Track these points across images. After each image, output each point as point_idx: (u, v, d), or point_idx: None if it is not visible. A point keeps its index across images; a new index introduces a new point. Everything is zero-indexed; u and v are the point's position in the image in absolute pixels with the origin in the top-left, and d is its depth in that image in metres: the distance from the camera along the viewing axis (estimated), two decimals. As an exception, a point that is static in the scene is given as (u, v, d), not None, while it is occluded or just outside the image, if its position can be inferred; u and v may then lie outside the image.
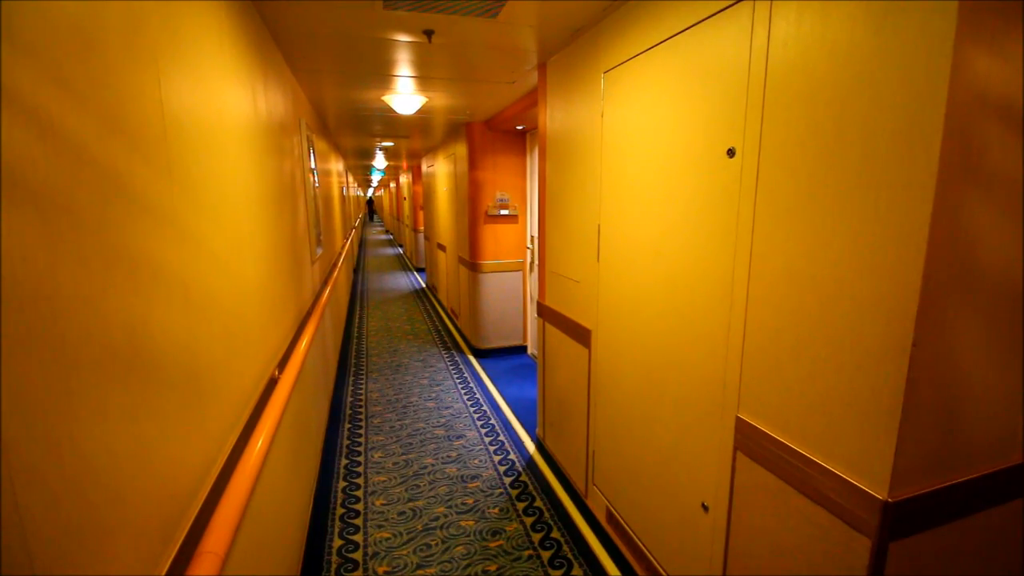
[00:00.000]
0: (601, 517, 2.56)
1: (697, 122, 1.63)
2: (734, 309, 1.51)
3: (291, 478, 2.16)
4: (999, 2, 0.95)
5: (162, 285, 0.96)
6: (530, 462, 3.25)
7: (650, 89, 1.89)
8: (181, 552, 0.94)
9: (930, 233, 0.97)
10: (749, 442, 1.47)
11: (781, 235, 1.31)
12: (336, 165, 7.09)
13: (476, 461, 3.27)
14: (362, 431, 3.72)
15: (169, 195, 1.03)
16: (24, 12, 0.63)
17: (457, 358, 5.38)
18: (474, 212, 5.27)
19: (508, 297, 5.44)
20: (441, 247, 7.49)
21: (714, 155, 1.56)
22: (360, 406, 4.18)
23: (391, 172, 13.81)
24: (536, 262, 4.33)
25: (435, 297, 8.46)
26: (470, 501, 2.83)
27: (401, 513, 2.73)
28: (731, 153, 1.48)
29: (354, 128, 5.81)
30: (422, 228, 10.74)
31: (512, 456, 3.33)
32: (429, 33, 2.46)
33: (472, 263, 5.39)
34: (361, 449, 3.46)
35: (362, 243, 17.43)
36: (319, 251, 3.86)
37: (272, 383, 1.81)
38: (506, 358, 5.37)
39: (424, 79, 3.43)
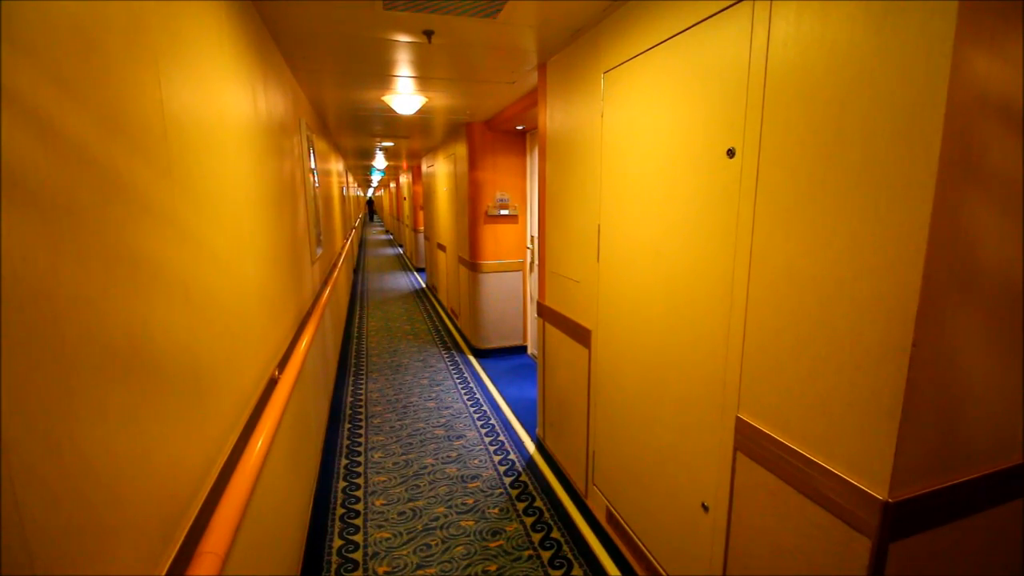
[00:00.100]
0: (601, 517, 2.56)
1: (697, 122, 1.63)
2: (734, 309, 1.51)
3: (291, 478, 2.16)
4: (999, 2, 0.95)
5: (162, 285, 0.96)
6: (530, 462, 3.25)
7: (650, 89, 1.89)
8: (181, 552, 0.94)
9: (930, 233, 0.97)
10: (749, 442, 1.47)
11: (781, 235, 1.31)
12: (336, 165, 7.09)
13: (476, 461, 3.27)
14: (362, 431, 3.72)
15: (170, 195, 1.03)
16: (24, 12, 0.63)
17: (457, 358, 5.38)
18: (474, 212, 5.27)
19: (508, 297, 5.44)
20: (441, 247, 7.49)
21: (714, 155, 1.56)
22: (360, 406, 4.18)
23: (391, 172, 13.81)
24: (536, 262, 4.33)
25: (435, 297, 8.46)
26: (470, 501, 2.83)
27: (401, 513, 2.73)
28: (731, 153, 1.48)
29: (354, 128, 5.82)
30: (422, 228, 10.74)
31: (512, 456, 3.33)
32: (429, 33, 2.46)
33: (472, 263, 5.39)
34: (361, 449, 3.46)
35: (362, 243, 17.44)
36: (319, 251, 3.86)
37: (272, 383, 1.81)
38: (506, 358, 5.37)
39: (424, 79, 3.43)
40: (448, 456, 3.34)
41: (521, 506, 2.79)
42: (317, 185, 4.06)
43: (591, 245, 2.44)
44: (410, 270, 11.80)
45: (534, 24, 2.34)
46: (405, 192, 13.44)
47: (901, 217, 1.02)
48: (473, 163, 5.18)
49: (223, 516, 1.08)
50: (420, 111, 4.28)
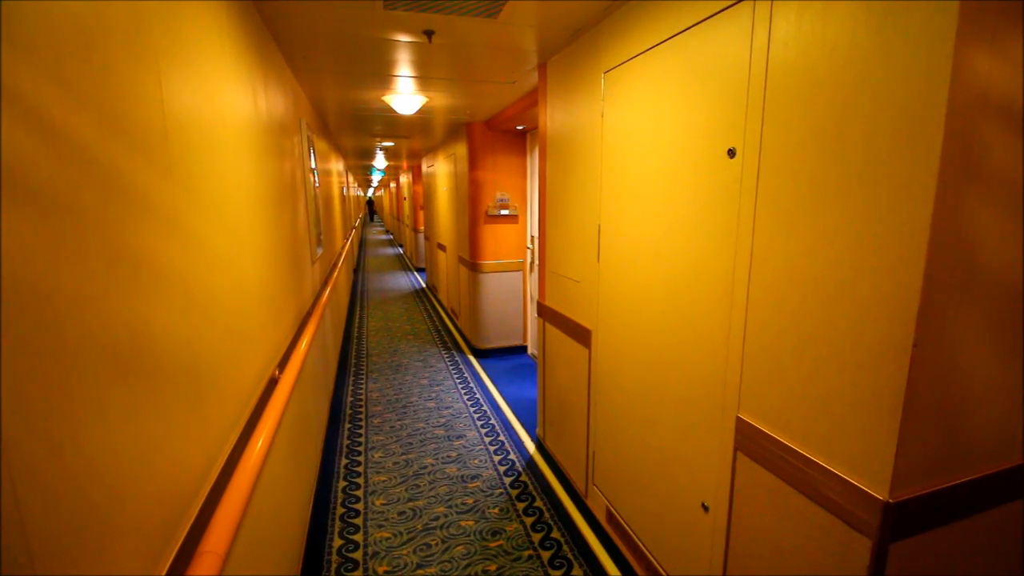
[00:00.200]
0: (601, 517, 2.56)
1: (698, 122, 1.63)
2: (735, 309, 1.51)
3: (291, 478, 2.16)
4: (1000, 2, 0.95)
5: (164, 285, 0.96)
6: (530, 462, 3.25)
7: (651, 89, 1.89)
8: (182, 551, 0.94)
9: (931, 233, 0.97)
10: (749, 442, 1.47)
11: (782, 235, 1.31)
12: (336, 165, 7.09)
13: (476, 461, 3.27)
14: (362, 431, 3.73)
15: (171, 195, 1.03)
16: (25, 12, 0.63)
17: (457, 358, 5.38)
18: (474, 212, 5.27)
19: (508, 297, 5.44)
20: (441, 247, 7.49)
21: (715, 155, 1.56)
22: (360, 406, 4.18)
23: (391, 172, 13.81)
24: (536, 262, 4.33)
25: (435, 297, 8.46)
26: (470, 501, 2.83)
27: (401, 513, 2.73)
28: (731, 153, 1.48)
29: (354, 128, 5.82)
30: (422, 228, 10.74)
31: (512, 456, 3.33)
32: (429, 33, 2.46)
33: (472, 263, 5.39)
34: (361, 449, 3.46)
35: (362, 243, 17.44)
36: (319, 251, 3.86)
37: (272, 383, 1.81)
38: (506, 358, 5.37)
39: (424, 79, 3.43)
40: (448, 456, 3.34)
41: (521, 506, 2.79)
42: (317, 185, 4.06)
43: (591, 245, 2.44)
44: (410, 270, 11.80)
45: (534, 24, 2.34)
46: (405, 192, 13.44)
47: (902, 217, 1.02)
48: (473, 163, 5.18)
49: (224, 515, 1.08)
50: (420, 111, 4.28)
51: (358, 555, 2.41)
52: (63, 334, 0.65)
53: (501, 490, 2.94)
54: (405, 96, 3.75)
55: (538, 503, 2.81)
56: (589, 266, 2.48)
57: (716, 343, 1.60)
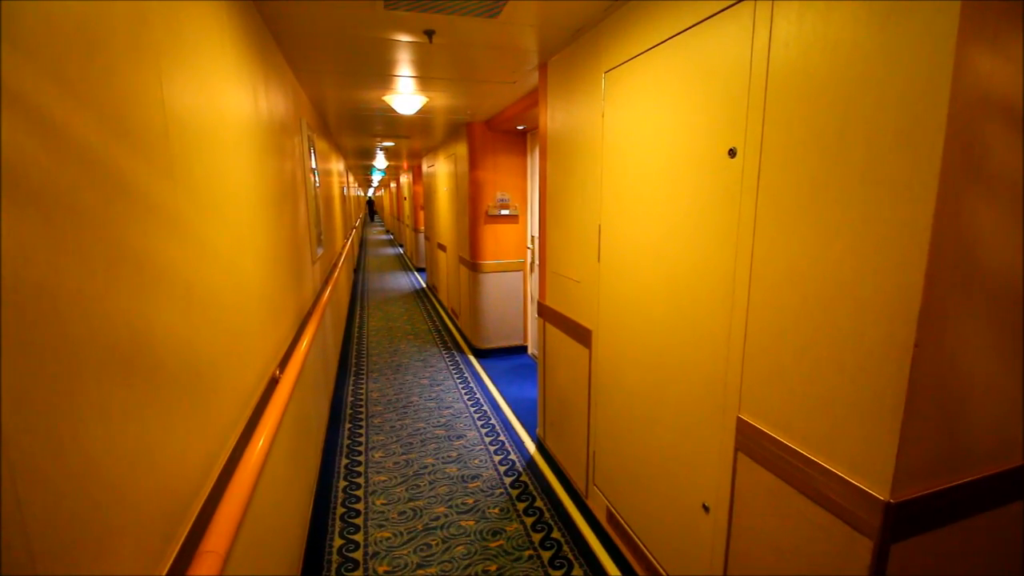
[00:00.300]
0: (601, 517, 2.56)
1: (698, 122, 1.63)
2: (735, 310, 1.50)
3: (292, 477, 2.16)
4: (1002, 2, 0.95)
5: (165, 284, 0.96)
6: (530, 462, 3.25)
7: (651, 89, 1.89)
8: (183, 551, 0.94)
9: (932, 234, 0.97)
10: (750, 443, 1.47)
11: (783, 235, 1.31)
12: (337, 165, 7.09)
13: (476, 461, 3.27)
14: (362, 431, 3.73)
15: (171, 195, 1.03)
16: (26, 12, 0.63)
17: (457, 358, 5.38)
18: (474, 212, 5.27)
19: (508, 297, 5.44)
20: (441, 247, 7.49)
21: (715, 155, 1.56)
22: (360, 406, 4.18)
23: (391, 172, 13.81)
24: (536, 262, 4.33)
25: (435, 297, 8.46)
26: (470, 501, 2.83)
27: (401, 513, 2.73)
28: (732, 153, 1.48)
29: (355, 128, 5.82)
30: (422, 228, 10.74)
31: (512, 456, 3.33)
32: (430, 33, 2.46)
33: (472, 263, 5.39)
34: (362, 449, 3.46)
35: (362, 243, 17.44)
36: (320, 251, 3.86)
37: (273, 382, 1.81)
38: (506, 358, 5.37)
39: (425, 79, 3.43)
40: (448, 456, 3.34)
41: (521, 506, 2.78)
42: (318, 185, 4.06)
43: (592, 245, 2.44)
44: (410, 270, 11.80)
45: (535, 24, 2.34)
46: (405, 192, 13.44)
47: (903, 217, 1.02)
48: (474, 163, 5.18)
49: (224, 515, 1.08)
50: (421, 111, 4.28)
51: (358, 555, 2.41)
52: (65, 333, 0.65)
53: (501, 490, 2.94)
54: (405, 96, 3.75)
55: (538, 503, 2.81)
56: (589, 266, 2.48)
57: (717, 343, 1.60)
